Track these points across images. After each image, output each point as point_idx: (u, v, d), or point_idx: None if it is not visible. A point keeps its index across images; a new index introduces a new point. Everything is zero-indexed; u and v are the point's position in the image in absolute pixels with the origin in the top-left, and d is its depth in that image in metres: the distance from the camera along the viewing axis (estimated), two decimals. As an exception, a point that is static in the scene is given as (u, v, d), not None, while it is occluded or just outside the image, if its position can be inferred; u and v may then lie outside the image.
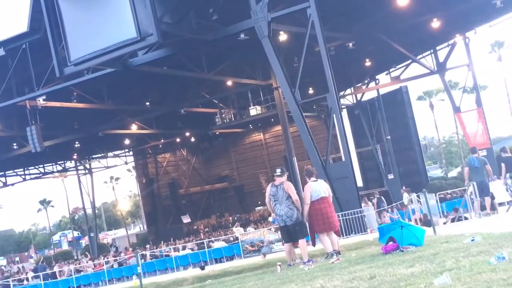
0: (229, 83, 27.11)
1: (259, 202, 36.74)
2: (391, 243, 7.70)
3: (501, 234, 6.99)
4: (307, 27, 14.82)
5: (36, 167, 37.74)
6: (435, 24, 22.48)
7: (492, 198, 12.36)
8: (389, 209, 18.07)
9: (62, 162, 38.78)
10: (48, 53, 15.42)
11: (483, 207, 11.97)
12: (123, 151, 40.81)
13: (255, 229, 20.07)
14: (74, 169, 39.28)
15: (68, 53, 14.25)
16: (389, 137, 30.15)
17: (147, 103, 29.64)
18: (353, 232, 13.96)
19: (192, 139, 39.19)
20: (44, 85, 18.70)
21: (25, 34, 17.52)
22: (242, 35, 16.05)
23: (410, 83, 30.40)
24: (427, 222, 13.01)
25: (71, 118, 27.60)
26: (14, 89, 19.82)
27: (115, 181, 58.78)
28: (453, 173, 44.37)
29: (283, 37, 19.04)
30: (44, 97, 19.67)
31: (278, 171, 9.12)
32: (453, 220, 13.71)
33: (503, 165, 11.94)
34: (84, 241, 54.54)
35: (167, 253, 21.10)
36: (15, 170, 36.12)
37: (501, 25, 25.48)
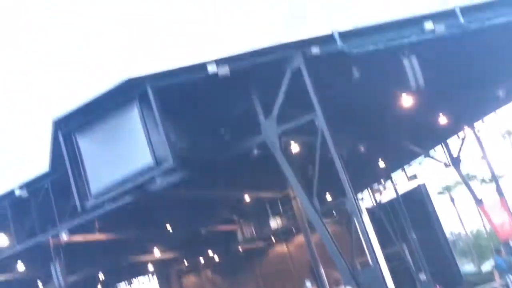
0: (247, 198, 27.29)
1: (291, 317, 35.48)
2: None
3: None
4: (317, 135, 15.18)
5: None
6: (442, 119, 22.92)
7: None
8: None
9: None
10: (69, 190, 15.80)
11: None
12: (147, 277, 40.26)
13: None
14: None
15: (89, 187, 14.62)
16: (414, 235, 29.69)
17: (168, 227, 29.71)
18: None
19: (216, 258, 38.70)
20: (66, 221, 18.94)
21: (46, 174, 18.04)
22: (255, 151, 16.42)
23: (427, 179, 30.50)
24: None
25: (94, 249, 27.60)
26: (37, 228, 20.07)
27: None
28: (487, 266, 42.91)
29: (295, 147, 19.44)
30: (66, 233, 19.87)
31: (308, 284, 8.98)
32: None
33: None
34: None
35: None
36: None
37: (509, 112, 25.95)
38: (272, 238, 37.35)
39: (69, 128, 14.71)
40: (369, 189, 32.19)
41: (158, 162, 13.91)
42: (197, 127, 15.64)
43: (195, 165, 17.19)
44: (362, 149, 22.39)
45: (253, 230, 35.08)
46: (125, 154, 14.52)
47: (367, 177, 30.52)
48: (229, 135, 16.94)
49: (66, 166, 15.13)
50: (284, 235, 37.49)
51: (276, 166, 16.03)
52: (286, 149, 16.59)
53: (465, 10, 14.44)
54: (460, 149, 27.38)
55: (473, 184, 32.06)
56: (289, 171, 15.49)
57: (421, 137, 26.04)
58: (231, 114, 16.64)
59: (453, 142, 27.74)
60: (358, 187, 29.37)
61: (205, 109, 15.67)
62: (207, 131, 16.12)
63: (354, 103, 19.66)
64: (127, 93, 13.79)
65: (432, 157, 28.05)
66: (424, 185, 29.84)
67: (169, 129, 14.10)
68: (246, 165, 22.35)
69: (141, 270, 36.03)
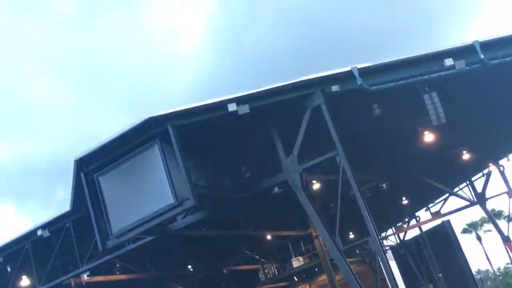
0: (269, 237, 27.02)
1: None
2: None
3: None
4: (338, 173, 15.03)
5: None
6: (466, 156, 22.63)
7: None
8: None
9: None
10: (91, 229, 15.82)
11: None
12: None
13: None
14: None
15: (110, 227, 14.60)
16: (440, 275, 28.97)
17: (189, 267, 29.46)
18: None
19: (238, 299, 38.17)
20: (88, 261, 18.90)
21: (68, 213, 18.12)
22: (276, 189, 16.31)
23: (452, 216, 29.90)
24: None
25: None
26: (59, 268, 20.07)
27: None
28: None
29: (316, 185, 19.27)
30: (88, 273, 19.81)
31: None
32: None
33: None
34: None
35: None
36: None
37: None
38: (295, 277, 36.75)
39: (91, 167, 14.80)
40: (393, 228, 31.69)
41: (179, 201, 13.85)
42: (217, 165, 15.64)
43: (216, 204, 17.12)
44: (385, 187, 22.14)
45: (275, 269, 34.60)
46: (146, 193, 14.51)
47: (391, 215, 30.07)
48: (249, 173, 16.88)
49: (87, 205, 15.19)
50: (307, 274, 36.85)
51: (298, 204, 15.86)
52: (307, 187, 16.43)
53: (485, 46, 14.37)
54: (484, 185, 26.93)
55: (500, 221, 31.40)
56: (311, 209, 15.30)
57: (445, 174, 25.68)
58: (252, 152, 16.63)
59: (479, 181, 27.35)
60: (382, 226, 28.94)
61: (226, 147, 15.68)
62: (228, 169, 16.09)
63: (376, 140, 19.53)
64: (148, 132, 13.87)
65: (457, 195, 27.59)
66: (448, 221, 29.24)
67: (190, 168, 14.09)
68: (267, 203, 22.19)
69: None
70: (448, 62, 14.25)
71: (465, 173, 26.70)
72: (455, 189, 27.78)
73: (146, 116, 13.55)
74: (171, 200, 13.88)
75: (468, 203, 27.53)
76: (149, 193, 14.41)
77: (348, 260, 15.35)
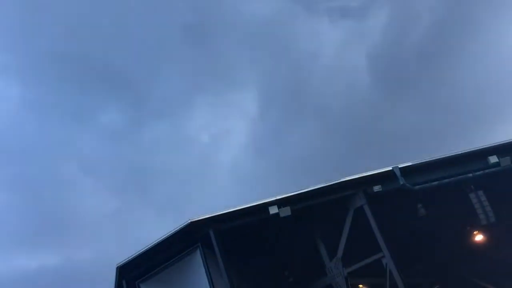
0: None
1: None
2: None
3: None
4: (385, 276, 14.50)
5: None
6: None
7: None
8: None
9: None
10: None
11: None
12: None
13: None
14: None
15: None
16: None
17: None
18: None
19: None
20: None
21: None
22: (321, 294, 15.74)
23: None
24: None
25: None
26: None
27: None
28: None
29: (363, 289, 18.55)
30: None
31: None
32: None
33: None
34: None
35: None
36: None
37: None
38: None
39: (133, 274, 14.76)
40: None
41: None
42: (259, 269, 15.34)
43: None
44: (435, 290, 21.07)
45: None
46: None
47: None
48: (293, 277, 16.47)
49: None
50: None
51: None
52: (354, 291, 15.83)
53: (530, 142, 14.11)
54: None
55: None
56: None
57: (500, 277, 24.34)
58: (294, 254, 16.31)
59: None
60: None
61: (267, 250, 15.47)
62: (270, 273, 15.75)
63: (423, 240, 18.90)
64: (189, 237, 13.89)
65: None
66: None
67: (232, 273, 13.85)
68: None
69: None
70: (493, 159, 13.98)
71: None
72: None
73: (188, 221, 13.63)
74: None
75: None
76: (190, 300, 14.16)
77: None
